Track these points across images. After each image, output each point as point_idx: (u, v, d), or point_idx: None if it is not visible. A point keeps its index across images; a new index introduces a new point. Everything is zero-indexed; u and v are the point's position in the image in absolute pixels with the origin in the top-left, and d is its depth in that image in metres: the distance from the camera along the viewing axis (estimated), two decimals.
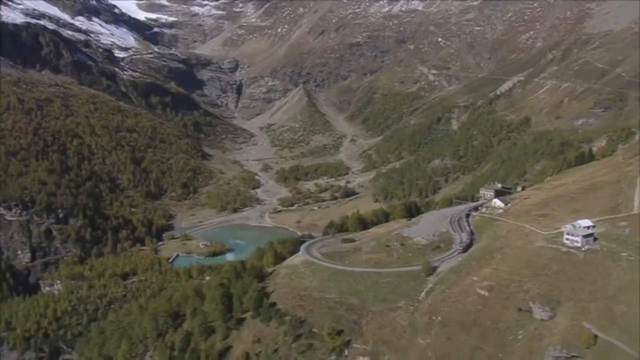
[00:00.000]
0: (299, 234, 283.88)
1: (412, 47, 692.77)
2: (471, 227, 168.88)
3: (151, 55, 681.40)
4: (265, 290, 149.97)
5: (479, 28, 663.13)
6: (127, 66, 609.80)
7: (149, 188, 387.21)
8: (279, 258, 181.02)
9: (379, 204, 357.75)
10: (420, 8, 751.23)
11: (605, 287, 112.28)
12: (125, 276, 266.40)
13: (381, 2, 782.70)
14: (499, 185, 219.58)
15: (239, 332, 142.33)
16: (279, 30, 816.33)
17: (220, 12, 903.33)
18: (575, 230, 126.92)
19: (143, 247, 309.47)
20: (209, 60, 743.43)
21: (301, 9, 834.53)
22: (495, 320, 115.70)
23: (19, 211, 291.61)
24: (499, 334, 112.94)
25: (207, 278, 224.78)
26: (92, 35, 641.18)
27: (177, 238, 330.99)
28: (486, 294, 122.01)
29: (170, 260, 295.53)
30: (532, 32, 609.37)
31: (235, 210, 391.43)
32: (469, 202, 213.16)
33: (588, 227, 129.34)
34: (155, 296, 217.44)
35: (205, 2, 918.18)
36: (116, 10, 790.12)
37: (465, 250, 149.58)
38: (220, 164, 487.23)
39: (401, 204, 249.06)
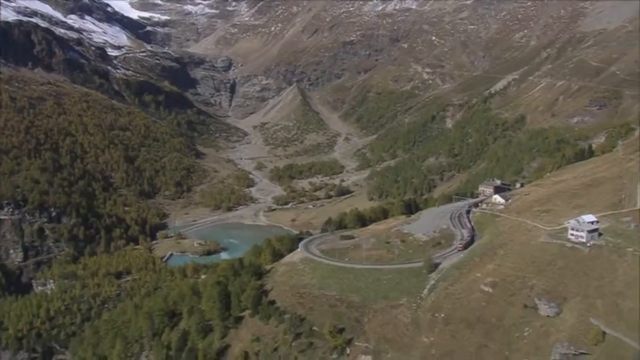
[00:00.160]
0: (294, 232, 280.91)
1: (406, 45, 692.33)
2: (472, 223, 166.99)
3: (144, 54, 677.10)
4: (263, 288, 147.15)
5: (472, 27, 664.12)
6: (120, 64, 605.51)
7: (143, 187, 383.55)
8: (277, 255, 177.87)
9: (374, 202, 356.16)
10: (414, 7, 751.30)
11: (612, 283, 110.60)
12: (119, 275, 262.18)
13: (375, 1, 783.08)
14: (498, 182, 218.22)
15: (237, 331, 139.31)
16: (273, 29, 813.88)
17: (213, 10, 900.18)
18: (580, 226, 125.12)
19: (137, 246, 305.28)
20: (203, 59, 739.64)
21: (295, 8, 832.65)
22: (500, 317, 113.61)
23: (11, 210, 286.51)
24: (504, 331, 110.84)
25: (203, 277, 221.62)
26: (84, 33, 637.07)
27: (171, 237, 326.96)
28: (490, 290, 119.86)
29: (164, 259, 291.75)
30: (526, 31, 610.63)
31: (229, 209, 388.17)
32: (468, 198, 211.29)
33: (592, 223, 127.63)
34: (150, 295, 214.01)
35: (199, 0, 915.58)
36: (109, 9, 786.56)
37: (465, 247, 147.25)
38: (214, 163, 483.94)
39: (400, 201, 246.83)
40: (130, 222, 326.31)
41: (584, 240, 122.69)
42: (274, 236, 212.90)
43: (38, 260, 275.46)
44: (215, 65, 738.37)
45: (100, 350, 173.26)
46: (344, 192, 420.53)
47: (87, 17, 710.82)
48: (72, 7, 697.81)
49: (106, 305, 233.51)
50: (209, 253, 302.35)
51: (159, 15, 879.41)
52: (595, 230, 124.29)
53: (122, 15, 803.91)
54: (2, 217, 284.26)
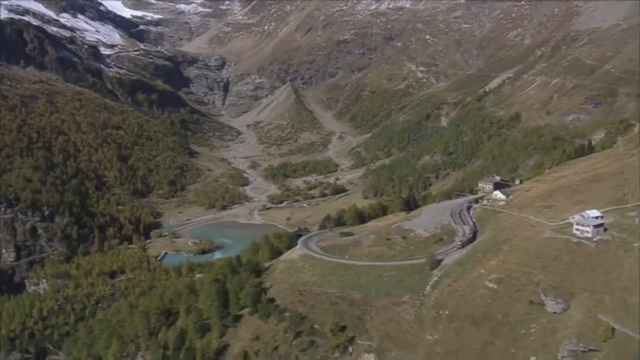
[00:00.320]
0: (290, 231, 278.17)
1: (399, 44, 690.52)
2: (473, 219, 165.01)
3: (137, 53, 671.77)
4: (262, 286, 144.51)
5: (466, 25, 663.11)
6: (113, 63, 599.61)
7: (136, 185, 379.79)
8: (275, 253, 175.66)
9: (369, 200, 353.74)
10: (407, 5, 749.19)
11: (619, 278, 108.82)
12: (113, 274, 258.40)
13: None
14: (498, 178, 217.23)
15: (236, 330, 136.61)
16: (266, 27, 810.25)
17: (206, 9, 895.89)
18: (585, 221, 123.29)
19: (131, 245, 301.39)
20: (196, 57, 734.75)
21: (288, 7, 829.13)
22: (506, 313, 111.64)
23: (3, 209, 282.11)
24: (510, 328, 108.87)
25: (198, 276, 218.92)
26: (77, 32, 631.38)
27: (165, 236, 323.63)
28: (495, 286, 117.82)
29: (158, 259, 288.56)
30: (520, 30, 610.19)
31: (223, 208, 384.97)
32: (467, 194, 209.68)
33: (597, 218, 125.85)
34: (145, 294, 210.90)
35: None
36: (101, 8, 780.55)
37: (464, 245, 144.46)
38: (208, 162, 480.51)
39: (399, 197, 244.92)
40: (124, 221, 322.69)
41: (589, 235, 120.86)
42: (272, 233, 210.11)
43: (31, 260, 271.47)
44: (209, 64, 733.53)
45: (95, 350, 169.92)
46: (338, 190, 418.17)
47: (79, 15, 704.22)
48: (65, 6, 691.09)
49: (100, 305, 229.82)
50: (204, 252, 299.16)
51: (151, 14, 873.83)
52: (601, 225, 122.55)
53: (115, 14, 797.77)
54: None
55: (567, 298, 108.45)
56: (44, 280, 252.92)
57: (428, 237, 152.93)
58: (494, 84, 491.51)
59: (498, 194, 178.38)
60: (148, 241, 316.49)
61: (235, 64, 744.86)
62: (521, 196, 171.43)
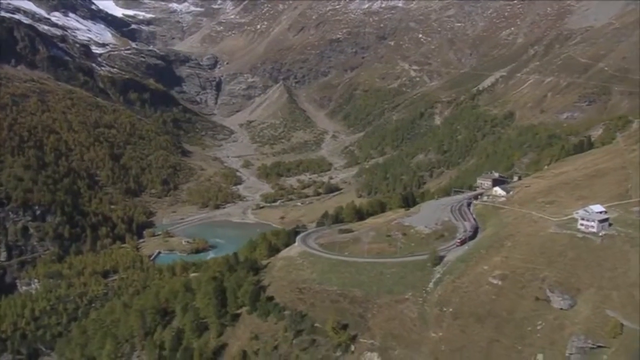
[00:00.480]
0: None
1: (392, 43, 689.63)
2: (473, 215, 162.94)
3: (129, 52, 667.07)
4: (261, 284, 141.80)
5: (459, 24, 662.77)
6: (104, 62, 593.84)
7: (129, 185, 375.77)
8: (273, 250, 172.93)
9: (363, 199, 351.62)
10: (400, 4, 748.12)
11: (625, 274, 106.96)
12: (105, 274, 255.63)
13: None
14: (496, 175, 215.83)
15: (234, 329, 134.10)
16: (258, 26, 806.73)
17: (198, 9, 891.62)
18: (590, 216, 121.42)
19: (123, 245, 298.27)
20: (188, 56, 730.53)
21: (280, 6, 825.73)
22: (511, 310, 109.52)
23: None
24: (515, 325, 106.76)
25: (192, 275, 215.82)
26: (68, 30, 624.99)
27: (159, 235, 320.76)
28: (499, 283, 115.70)
29: (151, 258, 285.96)
30: (513, 29, 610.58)
31: (217, 207, 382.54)
32: (466, 191, 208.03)
33: (601, 213, 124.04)
34: (139, 294, 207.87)
35: None
36: (93, 7, 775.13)
37: (463, 243, 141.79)
38: (201, 161, 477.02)
39: (398, 194, 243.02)
40: (116, 221, 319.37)
41: (595, 230, 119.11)
42: (269, 231, 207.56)
43: (22, 260, 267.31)
44: (201, 63, 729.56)
45: (89, 350, 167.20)
46: (332, 189, 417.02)
47: (70, 14, 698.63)
48: (56, 5, 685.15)
49: (93, 305, 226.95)
50: (198, 251, 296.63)
51: (143, 14, 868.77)
52: (606, 220, 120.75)
53: (107, 13, 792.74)
54: None
55: (573, 294, 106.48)
56: (36, 280, 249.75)
57: (429, 234, 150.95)
58: (487, 82, 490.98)
59: (498, 190, 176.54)
60: (141, 240, 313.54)
61: (227, 63, 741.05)
62: (522, 192, 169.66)
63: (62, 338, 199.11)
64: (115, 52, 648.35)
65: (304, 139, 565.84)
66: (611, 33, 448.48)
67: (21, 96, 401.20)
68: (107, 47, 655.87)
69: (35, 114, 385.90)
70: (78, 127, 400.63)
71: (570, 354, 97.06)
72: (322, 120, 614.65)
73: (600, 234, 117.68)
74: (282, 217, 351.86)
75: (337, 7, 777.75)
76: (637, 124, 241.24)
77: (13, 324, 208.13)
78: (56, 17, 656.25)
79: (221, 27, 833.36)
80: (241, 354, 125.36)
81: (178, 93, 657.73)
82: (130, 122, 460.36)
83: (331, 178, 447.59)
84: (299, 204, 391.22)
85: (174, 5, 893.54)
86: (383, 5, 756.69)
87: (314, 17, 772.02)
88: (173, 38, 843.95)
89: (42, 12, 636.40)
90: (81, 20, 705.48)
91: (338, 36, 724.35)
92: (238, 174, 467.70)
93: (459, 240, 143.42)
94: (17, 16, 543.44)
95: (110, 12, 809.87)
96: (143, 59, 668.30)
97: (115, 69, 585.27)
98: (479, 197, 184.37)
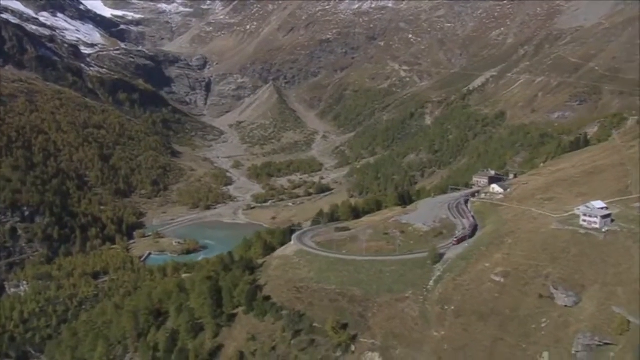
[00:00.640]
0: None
1: (382, 43, 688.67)
2: (472, 213, 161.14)
3: (118, 52, 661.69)
4: (257, 283, 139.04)
5: (449, 25, 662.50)
6: (93, 62, 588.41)
7: (118, 185, 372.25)
8: (269, 249, 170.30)
9: (355, 199, 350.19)
10: (390, 5, 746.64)
11: (630, 270, 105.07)
12: (96, 276, 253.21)
13: None
14: (492, 172, 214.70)
15: (230, 330, 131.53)
16: (248, 27, 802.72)
17: (187, 9, 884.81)
18: (593, 212, 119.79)
19: (114, 246, 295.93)
20: (177, 57, 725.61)
21: (270, 6, 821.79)
22: (515, 308, 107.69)
23: None
24: (519, 322, 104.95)
25: (184, 276, 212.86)
26: (57, 31, 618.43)
27: (149, 236, 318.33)
28: (502, 280, 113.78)
29: (142, 259, 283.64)
30: (502, 29, 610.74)
31: (208, 208, 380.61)
32: (463, 189, 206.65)
33: (603, 209, 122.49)
34: (131, 295, 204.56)
35: None
36: (81, 7, 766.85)
37: (459, 242, 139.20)
38: (191, 162, 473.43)
39: (393, 192, 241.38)
40: (106, 222, 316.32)
41: (597, 226, 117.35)
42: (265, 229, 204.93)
43: (10, 262, 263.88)
44: (191, 63, 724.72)
45: (80, 353, 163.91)
46: (323, 189, 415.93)
47: (59, 14, 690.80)
48: (44, 5, 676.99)
49: (84, 307, 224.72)
50: (189, 252, 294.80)
51: (132, 14, 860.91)
52: (609, 215, 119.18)
53: (95, 14, 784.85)
54: None
55: (578, 291, 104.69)
56: (25, 282, 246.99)
57: (427, 231, 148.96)
58: (478, 82, 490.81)
59: (496, 188, 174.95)
60: (131, 241, 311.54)
61: (217, 64, 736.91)
62: (519, 189, 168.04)
63: (52, 341, 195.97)
64: (104, 53, 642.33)
65: (294, 140, 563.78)
66: (601, 33, 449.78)
67: (9, 96, 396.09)
68: (96, 47, 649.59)
69: (23, 114, 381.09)
70: (67, 127, 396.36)
71: (577, 351, 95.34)
72: (313, 121, 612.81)
73: (604, 230, 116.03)
74: (274, 218, 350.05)
75: (327, 7, 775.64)
76: (633, 121, 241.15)
77: (1, 326, 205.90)
78: (44, 17, 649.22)
79: (210, 28, 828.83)
80: (238, 355, 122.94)
81: (167, 94, 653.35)
82: (119, 123, 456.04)
83: (322, 178, 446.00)
84: (290, 204, 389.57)
85: (163, 6, 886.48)
86: (373, 5, 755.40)
87: (303, 18, 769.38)
88: (162, 39, 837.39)
89: (30, 12, 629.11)
90: (70, 20, 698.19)
91: (328, 37, 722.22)
92: (228, 174, 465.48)
93: (455, 240, 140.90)
94: (4, 16, 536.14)
95: (99, 12, 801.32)
96: (132, 60, 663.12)
97: (104, 70, 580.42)
98: (476, 194, 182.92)
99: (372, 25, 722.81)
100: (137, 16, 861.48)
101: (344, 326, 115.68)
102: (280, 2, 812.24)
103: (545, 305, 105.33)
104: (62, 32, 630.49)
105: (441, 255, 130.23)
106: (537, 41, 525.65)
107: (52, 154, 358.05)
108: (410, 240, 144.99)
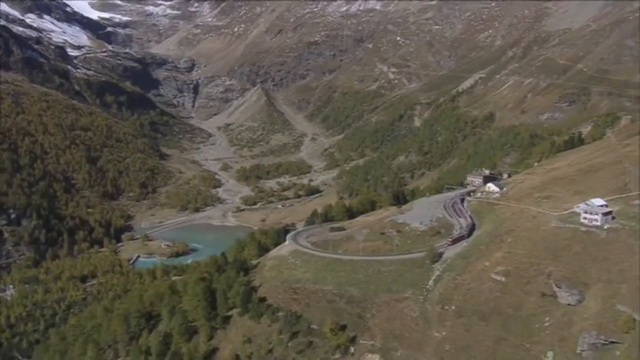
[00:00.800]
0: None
1: (370, 46, 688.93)
2: (468, 212, 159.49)
3: (105, 54, 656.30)
4: (251, 284, 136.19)
5: (437, 27, 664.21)
6: (80, 64, 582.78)
7: (106, 188, 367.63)
8: (262, 250, 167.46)
9: (344, 201, 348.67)
10: (378, 7, 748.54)
11: (633, 267, 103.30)
12: (84, 279, 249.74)
13: (339, 1, 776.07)
14: (487, 172, 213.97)
15: (225, 332, 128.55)
16: (236, 29, 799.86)
17: (175, 11, 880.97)
18: (594, 209, 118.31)
19: (102, 249, 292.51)
20: (165, 59, 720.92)
21: (258, 8, 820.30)
22: (517, 307, 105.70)
23: None
24: (522, 322, 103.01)
25: (174, 278, 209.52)
26: (43, 32, 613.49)
27: (137, 239, 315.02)
28: (503, 279, 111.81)
29: (131, 262, 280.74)
30: (491, 31, 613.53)
31: (196, 210, 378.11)
32: (459, 188, 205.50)
33: (603, 206, 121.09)
34: (120, 298, 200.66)
35: (160, 1, 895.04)
36: (68, 9, 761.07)
37: (454, 242, 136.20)
38: (179, 164, 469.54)
39: (388, 192, 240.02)
40: (94, 224, 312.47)
41: (598, 223, 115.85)
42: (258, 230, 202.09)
43: None
44: (178, 66, 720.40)
45: (69, 357, 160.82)
46: (313, 191, 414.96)
47: (45, 16, 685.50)
48: (30, 6, 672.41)
49: (72, 310, 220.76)
50: (178, 255, 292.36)
51: (119, 16, 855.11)
52: (610, 213, 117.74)
53: (82, 16, 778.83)
54: None
55: (581, 289, 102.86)
56: (11, 286, 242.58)
57: (425, 231, 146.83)
58: (466, 84, 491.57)
59: (492, 186, 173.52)
60: (119, 244, 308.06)
61: (205, 66, 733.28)
62: (516, 188, 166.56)
63: (39, 345, 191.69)
64: (91, 55, 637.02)
65: (282, 142, 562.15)
66: (589, 35, 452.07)
67: None
68: (83, 49, 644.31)
69: (9, 116, 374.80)
70: (54, 129, 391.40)
71: (582, 350, 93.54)
72: (301, 123, 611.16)
73: (605, 227, 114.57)
74: (263, 220, 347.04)
75: (315, 10, 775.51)
76: (626, 120, 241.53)
77: None
78: (31, 18, 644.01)
79: (198, 30, 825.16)
80: (234, 358, 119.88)
81: (155, 96, 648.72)
82: (106, 125, 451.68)
83: (311, 180, 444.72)
84: (279, 206, 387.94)
85: (151, 8, 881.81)
86: (361, 8, 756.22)
87: (291, 20, 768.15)
88: (149, 41, 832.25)
89: (16, 14, 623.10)
90: (56, 22, 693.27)
91: (316, 39, 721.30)
92: (217, 177, 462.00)
93: (450, 240, 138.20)
94: None
95: (85, 14, 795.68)
96: (119, 62, 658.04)
97: (91, 72, 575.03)
98: (472, 193, 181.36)
99: (360, 28, 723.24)
100: (124, 18, 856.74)
101: (343, 327, 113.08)
102: (268, 4, 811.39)
103: (548, 304, 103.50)
104: (49, 34, 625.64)
105: (440, 255, 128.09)
106: (525, 43, 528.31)
107: (39, 156, 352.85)
108: (408, 240, 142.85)
